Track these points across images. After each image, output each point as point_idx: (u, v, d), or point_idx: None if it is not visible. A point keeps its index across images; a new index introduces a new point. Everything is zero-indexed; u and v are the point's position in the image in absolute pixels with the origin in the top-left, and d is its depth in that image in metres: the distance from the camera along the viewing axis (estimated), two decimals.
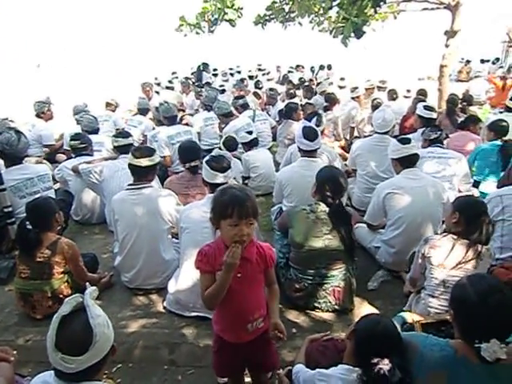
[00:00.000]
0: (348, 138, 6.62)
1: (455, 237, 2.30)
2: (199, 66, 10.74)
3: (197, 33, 5.78)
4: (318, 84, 8.39)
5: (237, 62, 15.11)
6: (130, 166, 3.01)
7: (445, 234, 2.38)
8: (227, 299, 1.73)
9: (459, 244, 2.26)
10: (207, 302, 1.77)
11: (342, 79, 9.36)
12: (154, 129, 5.64)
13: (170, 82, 9.39)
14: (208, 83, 8.93)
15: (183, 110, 7.68)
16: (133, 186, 3.00)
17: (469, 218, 2.27)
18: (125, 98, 8.20)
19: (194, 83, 10.02)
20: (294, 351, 2.41)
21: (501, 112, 6.47)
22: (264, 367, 2.07)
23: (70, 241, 2.84)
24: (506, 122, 4.31)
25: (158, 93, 8.64)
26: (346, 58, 13.87)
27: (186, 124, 5.69)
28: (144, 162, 2.95)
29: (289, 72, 12.72)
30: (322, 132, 4.39)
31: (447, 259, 2.27)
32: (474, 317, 1.47)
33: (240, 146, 4.88)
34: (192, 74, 11.31)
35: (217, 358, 1.98)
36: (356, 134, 6.66)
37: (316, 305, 2.80)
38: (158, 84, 9.89)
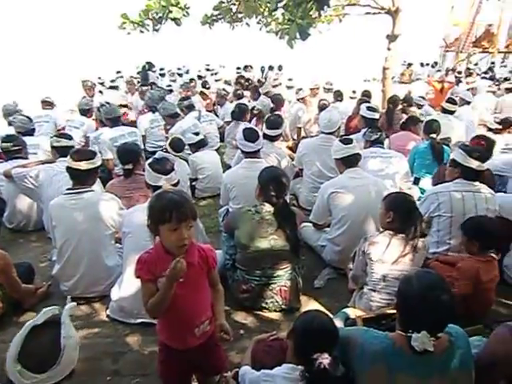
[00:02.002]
0: (295, 138, 6.73)
1: (392, 233, 2.40)
2: (144, 66, 10.45)
3: (141, 31, 5.59)
4: (262, 85, 8.44)
5: (185, 61, 14.92)
6: (69, 169, 2.87)
7: (382, 230, 2.48)
8: (171, 305, 1.69)
9: (395, 239, 2.37)
10: (150, 312, 1.72)
11: (290, 80, 9.50)
12: (97, 130, 5.41)
13: (112, 81, 9.05)
14: (154, 83, 8.70)
15: (129, 109, 7.44)
16: (72, 191, 2.87)
17: (402, 215, 2.38)
18: (66, 98, 7.82)
19: (139, 83, 9.76)
20: (241, 353, 2.40)
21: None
22: (212, 371, 2.05)
23: (0, 250, 2.66)
24: (437, 121, 4.55)
25: (101, 92, 8.33)
26: (294, 59, 14.08)
27: (132, 123, 5.47)
28: (84, 165, 2.83)
29: (237, 73, 12.71)
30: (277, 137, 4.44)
31: (385, 255, 2.37)
32: (412, 308, 1.55)
33: (187, 147, 4.81)
34: (138, 73, 11.00)
35: (164, 367, 1.93)
36: (303, 134, 6.78)
37: (263, 305, 2.82)
38: (102, 83, 9.53)
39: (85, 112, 5.58)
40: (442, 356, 1.56)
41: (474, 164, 2.97)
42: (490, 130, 5.35)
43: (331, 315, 2.49)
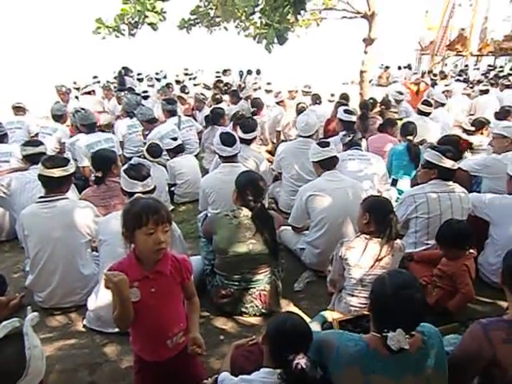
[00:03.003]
0: (275, 141, 6.75)
1: (368, 236, 2.41)
2: (120, 71, 10.31)
3: (116, 36, 5.53)
4: (242, 89, 8.45)
5: (163, 66, 14.82)
6: (41, 177, 2.79)
7: (358, 234, 2.49)
8: (142, 316, 1.67)
9: (372, 243, 2.38)
10: (116, 324, 1.70)
11: (269, 84, 9.53)
12: (72, 136, 5.30)
13: (87, 86, 8.90)
14: (131, 88, 8.60)
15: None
16: (45, 199, 2.79)
17: (378, 218, 2.40)
18: (40, 104, 7.67)
19: (116, 88, 9.63)
20: (221, 359, 2.38)
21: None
22: (190, 381, 2.01)
23: None
24: (413, 124, 4.63)
25: (77, 98, 8.19)
26: (273, 62, 14.16)
27: (105, 128, 5.37)
28: (57, 172, 2.76)
29: (217, 77, 12.70)
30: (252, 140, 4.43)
31: (362, 259, 2.38)
32: (386, 308, 1.56)
33: (165, 152, 4.77)
34: (115, 78, 10.87)
35: (139, 378, 1.90)
36: (282, 137, 6.80)
37: (243, 310, 2.80)
38: (77, 88, 9.36)
39: (58, 118, 5.45)
40: (416, 355, 1.57)
41: (449, 164, 3.04)
42: (465, 131, 5.48)
43: (310, 318, 2.52)
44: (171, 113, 5.82)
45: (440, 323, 2.42)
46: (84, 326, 2.72)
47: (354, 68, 8.15)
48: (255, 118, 6.37)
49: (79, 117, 4.67)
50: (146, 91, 8.77)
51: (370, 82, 12.41)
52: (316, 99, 7.44)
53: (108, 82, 10.50)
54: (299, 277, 3.27)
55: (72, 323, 2.78)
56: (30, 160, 3.61)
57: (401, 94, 8.15)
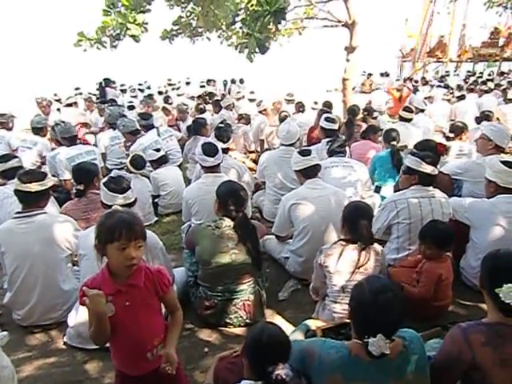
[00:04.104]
0: (259, 150, 6.77)
1: (344, 243, 2.43)
2: (101, 82, 10.24)
3: (98, 48, 5.51)
4: (223, 98, 8.48)
5: (147, 77, 14.79)
6: (17, 192, 2.74)
7: (335, 241, 2.51)
8: (119, 330, 1.65)
9: (349, 249, 2.40)
10: (94, 340, 1.67)
11: (252, 93, 9.58)
12: (53, 149, 5.23)
13: (69, 98, 8.83)
14: (113, 100, 8.55)
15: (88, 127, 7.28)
16: (22, 214, 2.74)
17: (351, 224, 2.43)
18: (21, 117, 7.55)
19: (97, 99, 9.56)
20: (206, 371, 2.34)
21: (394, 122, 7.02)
22: None
23: None
24: (395, 130, 4.69)
25: (59, 110, 8.11)
26: (257, 71, 14.24)
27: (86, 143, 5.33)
28: (34, 186, 2.71)
29: (201, 87, 12.72)
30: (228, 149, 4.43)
31: (340, 265, 2.40)
32: (366, 313, 1.56)
33: (148, 164, 4.74)
34: (97, 89, 10.81)
35: None
36: (266, 146, 6.82)
37: (228, 321, 2.78)
38: (59, 100, 9.27)
39: (38, 131, 5.36)
40: (398, 360, 1.58)
41: (429, 169, 3.07)
42: (445, 136, 5.57)
43: (295, 327, 2.51)
44: (147, 127, 5.71)
45: (422, 328, 2.45)
46: (65, 343, 2.66)
47: (337, 75, 8.23)
48: (238, 126, 6.44)
49: (59, 130, 4.61)
50: (131, 101, 8.74)
51: (353, 89, 12.59)
52: (300, 107, 7.50)
53: (90, 93, 10.43)
54: (284, 286, 3.26)
55: (52, 341, 2.72)
56: (5, 176, 3.53)
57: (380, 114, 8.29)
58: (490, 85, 11.76)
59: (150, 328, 1.77)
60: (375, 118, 7.44)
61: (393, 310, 1.54)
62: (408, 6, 26.91)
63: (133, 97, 10.54)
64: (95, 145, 5.78)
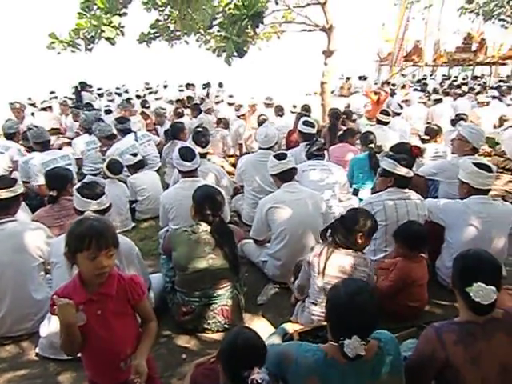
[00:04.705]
0: (238, 154, 6.75)
1: (334, 245, 2.43)
2: (76, 86, 10.05)
3: (72, 51, 5.41)
4: (202, 102, 8.45)
5: (124, 81, 14.61)
6: None
7: (326, 242, 2.49)
8: (91, 340, 1.61)
9: (338, 253, 2.40)
10: (64, 350, 1.64)
11: (231, 96, 9.57)
12: (26, 154, 5.09)
13: (43, 102, 8.63)
14: (89, 104, 8.40)
15: (61, 133, 7.12)
16: None
17: (347, 229, 2.42)
18: None
19: (73, 104, 9.39)
20: (183, 379, 2.31)
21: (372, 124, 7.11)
22: None
23: None
24: (372, 133, 4.75)
25: (33, 114, 7.93)
26: (236, 75, 14.24)
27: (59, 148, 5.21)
28: (3, 193, 2.64)
29: (180, 91, 12.62)
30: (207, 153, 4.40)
31: (326, 267, 2.39)
32: (341, 315, 1.57)
33: (125, 168, 4.67)
34: (73, 93, 10.62)
35: None
36: (245, 150, 6.82)
37: (206, 326, 2.75)
38: (33, 104, 9.06)
39: (10, 136, 5.22)
40: (373, 361, 1.60)
41: (404, 171, 3.11)
42: (421, 139, 5.67)
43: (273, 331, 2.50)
44: (124, 131, 5.60)
45: (399, 329, 2.48)
46: (37, 354, 2.58)
47: (315, 79, 8.29)
48: (216, 130, 6.41)
49: (32, 134, 4.50)
50: (108, 105, 8.61)
51: (332, 92, 12.72)
52: (279, 111, 7.51)
53: (66, 97, 10.23)
54: (262, 290, 3.25)
55: (23, 352, 2.63)
56: None
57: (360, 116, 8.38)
58: (464, 88, 12.05)
59: (123, 337, 1.74)
60: (354, 121, 7.53)
61: (368, 312, 1.55)
62: (384, 11, 27.40)
63: (109, 101, 10.37)
64: None
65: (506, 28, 15.57)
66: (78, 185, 2.64)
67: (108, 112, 7.66)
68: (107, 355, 1.69)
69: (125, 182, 4.57)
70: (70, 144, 6.14)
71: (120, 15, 5.27)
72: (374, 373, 1.61)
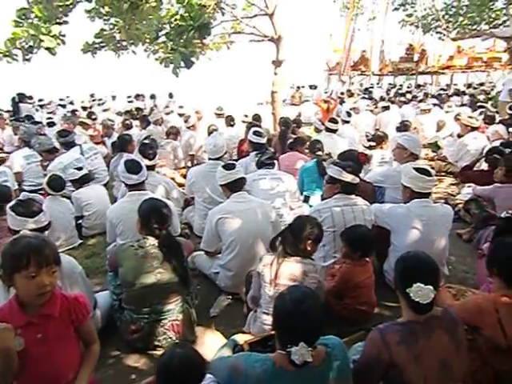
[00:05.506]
0: (190, 165, 6.68)
1: (285, 254, 2.43)
2: (14, 98, 9.52)
3: (8, 62, 5.14)
4: (150, 113, 8.30)
5: (68, 92, 14.09)
6: None
7: (276, 252, 2.49)
8: (30, 366, 1.51)
9: (288, 262, 2.40)
10: None
11: (181, 107, 9.48)
12: None
13: None
14: (29, 116, 7.98)
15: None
16: None
17: (295, 237, 2.44)
18: None
19: (11, 116, 8.88)
20: None
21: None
22: None
23: None
24: (319, 141, 4.85)
25: None
26: (187, 86, 14.13)
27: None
28: None
29: (129, 102, 12.32)
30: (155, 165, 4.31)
31: (278, 276, 2.39)
32: (287, 323, 1.57)
33: (69, 183, 4.48)
34: (11, 106, 10.04)
35: None
36: (196, 161, 6.76)
37: (156, 343, 2.66)
38: None
39: None
40: (321, 367, 1.61)
41: (350, 178, 3.17)
42: (369, 146, 5.87)
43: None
44: (67, 145, 5.31)
45: (348, 333, 2.52)
46: None
47: (267, 88, 8.40)
48: (168, 141, 6.32)
49: None
50: (50, 118, 8.21)
51: (284, 101, 12.92)
52: (230, 120, 7.53)
53: (1, 110, 9.67)
54: (215, 301, 3.21)
55: None
56: None
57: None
58: (409, 96, 12.66)
59: (65, 361, 1.65)
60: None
61: (314, 318, 1.56)
62: (331, 22, 28.44)
63: (50, 113, 9.89)
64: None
65: (443, 40, 16.56)
66: (12, 202, 2.49)
67: (51, 124, 7.29)
68: (47, 382, 1.59)
69: (69, 198, 4.38)
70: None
71: (60, 24, 5.09)
72: (321, 378, 1.62)
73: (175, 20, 5.92)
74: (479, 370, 1.95)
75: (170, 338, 2.67)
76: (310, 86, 16.77)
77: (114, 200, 4.75)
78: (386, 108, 9.65)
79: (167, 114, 9.36)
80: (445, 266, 3.28)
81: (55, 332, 1.59)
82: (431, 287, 1.69)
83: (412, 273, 1.77)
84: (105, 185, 5.43)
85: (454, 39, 15.76)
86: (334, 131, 6.07)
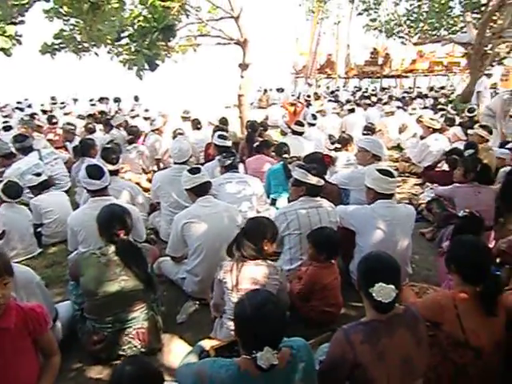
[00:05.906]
0: (156, 170, 6.57)
1: (243, 259, 2.42)
2: None
3: None
4: (112, 117, 8.11)
5: (27, 95, 13.57)
6: None
7: (236, 257, 2.47)
8: None
9: (248, 266, 2.39)
10: None
11: (147, 111, 9.33)
12: None
13: None
14: None
15: None
16: None
17: (251, 240, 2.43)
18: None
19: None
20: None
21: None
22: None
23: None
24: (285, 144, 4.88)
25: None
26: (153, 88, 13.92)
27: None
28: None
29: (92, 105, 11.96)
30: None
31: (239, 282, 2.37)
32: (249, 328, 1.57)
33: (27, 190, 4.30)
34: None
35: None
36: (162, 165, 6.66)
37: (121, 353, 2.59)
38: None
39: None
40: (286, 369, 1.61)
41: (314, 180, 3.20)
42: (334, 148, 5.96)
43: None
44: (24, 150, 5.10)
45: (316, 334, 2.54)
46: None
47: (234, 92, 8.38)
48: (132, 145, 6.19)
49: None
50: (6, 121, 7.84)
51: (251, 104, 12.95)
52: (196, 124, 7.46)
53: None
54: (182, 308, 3.15)
55: None
56: None
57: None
58: (374, 99, 12.96)
59: (23, 374, 1.58)
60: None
61: (275, 322, 1.56)
62: (298, 26, 28.82)
63: (6, 116, 9.45)
64: None
65: (405, 44, 17.10)
66: None
67: (7, 129, 6.96)
68: None
69: (27, 205, 4.21)
70: None
71: (15, 24, 4.90)
72: (287, 380, 1.62)
73: (138, 21, 5.82)
74: (440, 365, 2.01)
75: (135, 346, 2.60)
76: (277, 89, 16.91)
77: (76, 206, 4.60)
78: (352, 111, 9.84)
79: (132, 117, 9.19)
80: (408, 265, 3.35)
81: (12, 345, 1.52)
82: (393, 286, 1.72)
83: (374, 273, 1.80)
84: (66, 191, 5.26)
85: (415, 44, 16.37)
86: (301, 134, 6.13)
